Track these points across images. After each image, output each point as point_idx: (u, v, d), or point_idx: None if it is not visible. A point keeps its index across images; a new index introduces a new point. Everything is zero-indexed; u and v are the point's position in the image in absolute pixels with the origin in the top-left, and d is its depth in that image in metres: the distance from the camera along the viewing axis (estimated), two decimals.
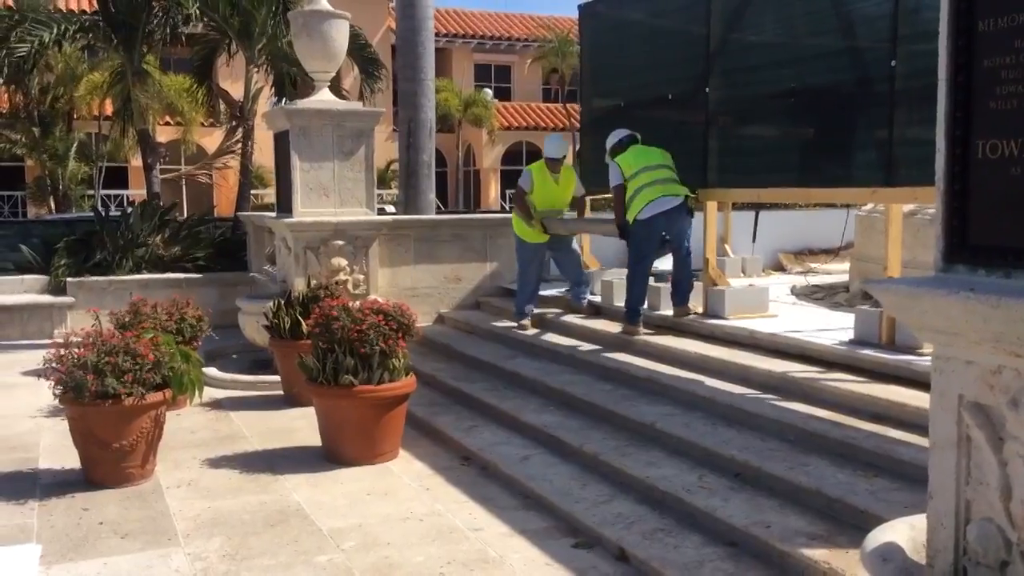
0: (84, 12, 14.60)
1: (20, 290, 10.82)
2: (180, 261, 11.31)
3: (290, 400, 7.39)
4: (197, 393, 5.68)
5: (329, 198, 8.67)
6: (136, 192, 25.80)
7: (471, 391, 6.99)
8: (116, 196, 24.73)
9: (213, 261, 11.51)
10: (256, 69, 12.08)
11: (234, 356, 9.35)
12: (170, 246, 11.32)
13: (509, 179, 31.59)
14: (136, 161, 24.21)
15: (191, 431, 6.61)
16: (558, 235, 8.31)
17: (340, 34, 8.77)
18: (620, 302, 7.84)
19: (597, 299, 8.25)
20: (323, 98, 8.77)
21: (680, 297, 7.21)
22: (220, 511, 4.97)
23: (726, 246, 10.34)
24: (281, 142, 9.05)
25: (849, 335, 5.95)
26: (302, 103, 8.74)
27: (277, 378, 7.77)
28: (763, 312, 6.93)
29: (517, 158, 31.97)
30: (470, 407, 6.79)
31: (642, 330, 7.13)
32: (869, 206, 8.26)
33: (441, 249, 9.55)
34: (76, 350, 5.31)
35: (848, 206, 9.20)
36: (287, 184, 8.81)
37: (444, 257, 9.56)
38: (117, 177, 25.47)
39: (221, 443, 6.33)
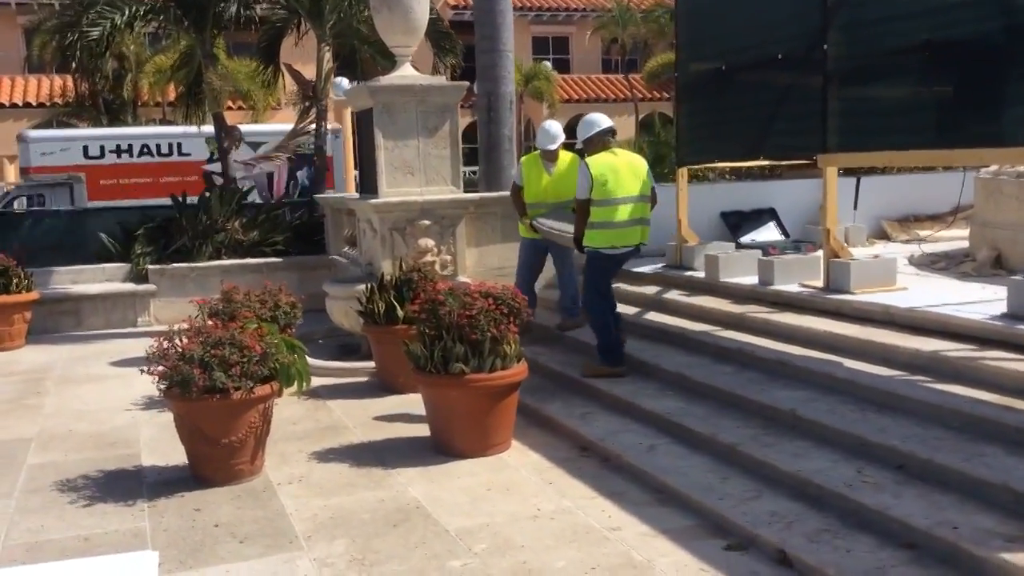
0: None
1: (102, 279, 10.74)
2: (259, 246, 11.14)
3: (386, 387, 7.13)
4: (304, 384, 5.42)
5: (414, 176, 8.34)
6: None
7: (577, 375, 6.64)
8: None
9: (291, 245, 11.32)
10: (328, 48, 11.80)
11: (320, 341, 9.13)
12: (248, 231, 11.14)
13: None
14: None
15: (292, 422, 6.38)
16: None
17: (421, 6, 8.39)
18: (727, 277, 7.44)
19: (700, 275, 7.82)
20: (405, 74, 8.42)
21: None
22: (338, 510, 4.71)
23: None
24: (363, 121, 8.76)
25: (998, 308, 5.46)
26: (385, 79, 8.41)
27: (371, 364, 7.52)
28: (891, 285, 6.44)
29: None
30: (579, 392, 6.45)
31: (622, 369, 6.39)
32: (993, 167, 7.68)
33: None
34: (178, 342, 5.07)
35: (964, 169, 8.60)
36: (371, 164, 8.51)
37: None
38: None
39: (324, 435, 6.09)
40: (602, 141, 6.46)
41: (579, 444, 5.61)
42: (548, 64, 29.67)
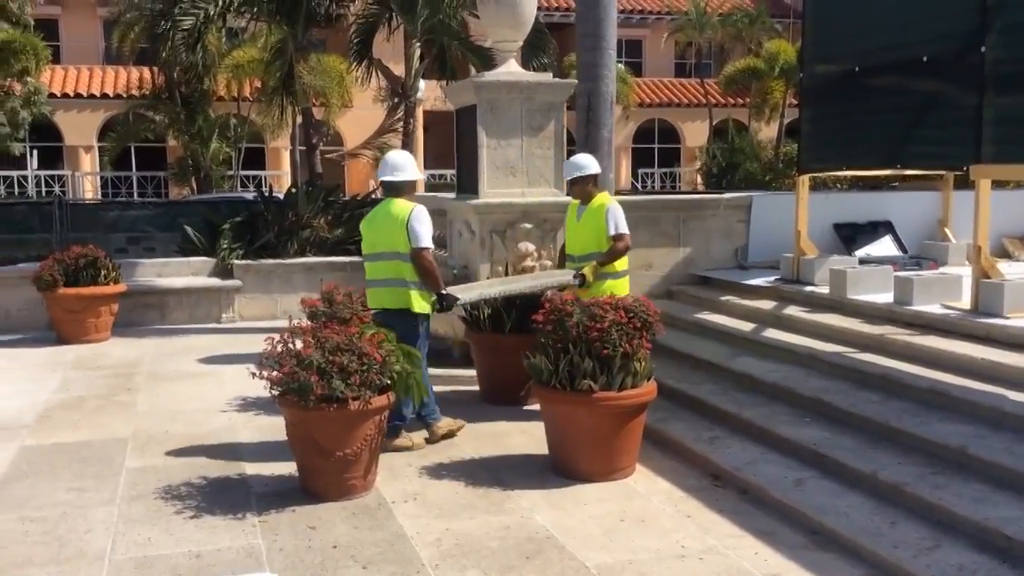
0: None
1: (187, 272, 10.58)
2: (343, 244, 10.89)
3: (488, 397, 6.78)
4: (424, 397, 5.07)
5: (516, 178, 7.98)
6: (272, 172, 25.91)
7: (698, 394, 6.22)
8: (254, 177, 24.82)
9: None
10: (418, 44, 11.52)
11: None
12: (333, 228, 10.90)
13: (640, 158, 30.59)
14: (275, 142, 24.26)
15: None
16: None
17: (529, 0, 8.05)
18: (855, 294, 6.94)
19: (823, 290, 7.32)
20: (511, 70, 8.08)
21: (393, 423, 5.34)
22: (462, 535, 4.36)
23: (946, 230, 9.27)
24: (464, 118, 8.41)
25: None
26: (490, 75, 8.07)
27: (471, 372, 7.17)
28: None
29: (649, 136, 30.93)
30: (702, 413, 6.02)
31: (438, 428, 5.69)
32: None
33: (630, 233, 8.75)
34: (292, 346, 4.76)
35: None
36: (471, 163, 8.16)
37: (633, 242, 8.74)
38: (254, 158, 25.58)
39: (432, 448, 5.74)
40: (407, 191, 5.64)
41: (710, 472, 5.19)
42: (622, 66, 29.18)
